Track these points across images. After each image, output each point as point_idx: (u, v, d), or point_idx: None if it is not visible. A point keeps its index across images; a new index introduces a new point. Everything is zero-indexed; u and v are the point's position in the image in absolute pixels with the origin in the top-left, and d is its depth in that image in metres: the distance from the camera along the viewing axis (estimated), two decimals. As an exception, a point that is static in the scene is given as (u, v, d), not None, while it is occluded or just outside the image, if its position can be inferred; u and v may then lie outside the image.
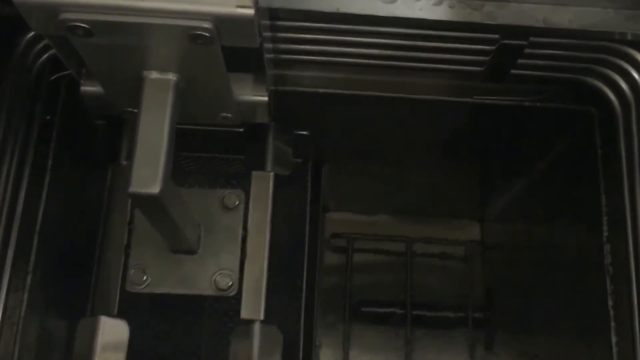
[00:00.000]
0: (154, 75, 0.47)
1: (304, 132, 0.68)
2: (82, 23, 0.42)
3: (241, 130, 0.59)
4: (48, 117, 0.60)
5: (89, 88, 0.53)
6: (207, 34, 0.43)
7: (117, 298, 0.58)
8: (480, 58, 0.57)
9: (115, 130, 0.63)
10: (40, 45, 0.58)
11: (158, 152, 0.46)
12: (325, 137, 0.72)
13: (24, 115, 0.58)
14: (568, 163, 0.67)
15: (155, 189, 0.45)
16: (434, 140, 0.74)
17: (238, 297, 0.58)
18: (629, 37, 0.53)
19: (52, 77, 0.60)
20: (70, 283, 0.66)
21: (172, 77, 0.47)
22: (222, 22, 0.43)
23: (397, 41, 0.55)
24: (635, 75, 0.56)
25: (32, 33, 0.57)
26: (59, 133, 0.61)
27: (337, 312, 0.91)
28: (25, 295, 0.57)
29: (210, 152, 0.67)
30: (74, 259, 0.67)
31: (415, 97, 0.61)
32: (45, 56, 0.58)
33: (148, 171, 0.45)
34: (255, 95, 0.54)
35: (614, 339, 0.54)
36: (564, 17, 0.52)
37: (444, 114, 0.66)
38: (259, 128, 0.62)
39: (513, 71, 0.58)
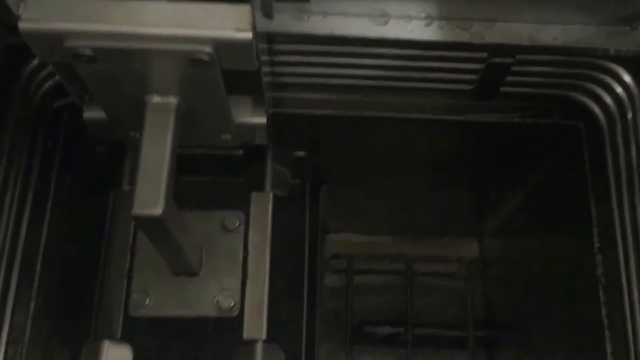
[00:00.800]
0: (156, 99, 0.48)
1: (302, 153, 0.69)
2: (86, 50, 0.43)
3: (240, 152, 0.60)
4: (50, 145, 0.61)
5: (92, 114, 0.54)
6: (207, 58, 0.44)
7: (120, 322, 0.58)
8: (470, 77, 0.58)
9: (116, 155, 0.63)
10: (43, 73, 0.59)
11: (160, 174, 0.47)
12: (323, 157, 0.73)
13: (26, 142, 0.59)
14: (559, 177, 0.68)
15: (157, 210, 0.46)
16: (429, 158, 0.75)
17: (240, 318, 0.58)
18: (612, 52, 0.54)
19: (55, 105, 0.61)
20: (74, 308, 0.66)
21: (173, 100, 0.48)
22: (222, 46, 0.44)
23: (390, 62, 0.56)
24: (619, 89, 0.57)
25: (35, 61, 0.58)
26: (61, 159, 0.62)
27: (338, 332, 0.90)
28: (29, 322, 0.57)
29: (210, 175, 0.67)
30: (77, 284, 0.67)
31: (409, 117, 0.62)
32: (47, 84, 0.59)
33: (150, 193, 0.46)
34: (254, 118, 0.55)
35: (609, 348, 0.54)
36: (549, 35, 0.53)
37: (438, 133, 0.67)
38: (258, 150, 0.63)
39: (502, 89, 0.59)
